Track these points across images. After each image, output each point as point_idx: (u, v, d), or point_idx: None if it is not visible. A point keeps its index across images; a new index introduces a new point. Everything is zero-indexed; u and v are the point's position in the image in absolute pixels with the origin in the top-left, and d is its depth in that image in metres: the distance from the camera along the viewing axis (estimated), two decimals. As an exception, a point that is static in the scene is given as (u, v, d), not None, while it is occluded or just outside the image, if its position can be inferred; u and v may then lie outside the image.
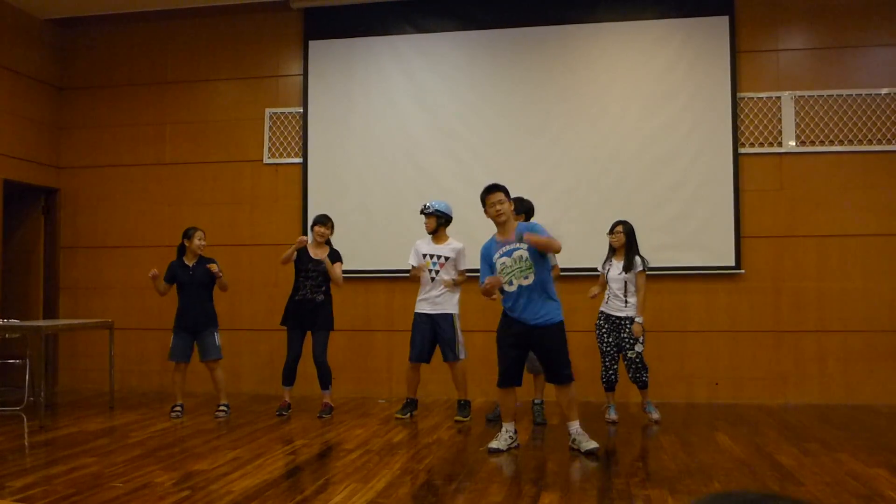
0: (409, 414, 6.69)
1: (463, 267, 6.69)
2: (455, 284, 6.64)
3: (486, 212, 5.50)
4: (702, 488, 4.35)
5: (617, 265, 6.46)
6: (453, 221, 6.79)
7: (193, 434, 6.09)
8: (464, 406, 6.65)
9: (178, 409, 6.85)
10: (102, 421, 6.72)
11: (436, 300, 6.60)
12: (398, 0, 8.20)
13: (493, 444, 5.38)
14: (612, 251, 6.57)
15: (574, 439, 5.35)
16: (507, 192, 5.43)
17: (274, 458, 5.21)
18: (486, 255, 5.49)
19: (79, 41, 9.00)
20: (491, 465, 5.00)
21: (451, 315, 6.62)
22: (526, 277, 5.28)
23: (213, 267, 6.83)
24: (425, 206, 6.70)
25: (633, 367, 6.42)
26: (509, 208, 5.42)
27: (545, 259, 5.37)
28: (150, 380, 8.48)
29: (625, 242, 6.48)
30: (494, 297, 5.45)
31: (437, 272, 6.61)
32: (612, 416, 6.50)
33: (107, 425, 6.52)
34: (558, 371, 5.35)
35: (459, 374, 6.64)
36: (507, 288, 5.34)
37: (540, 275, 5.31)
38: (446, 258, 6.65)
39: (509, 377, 5.47)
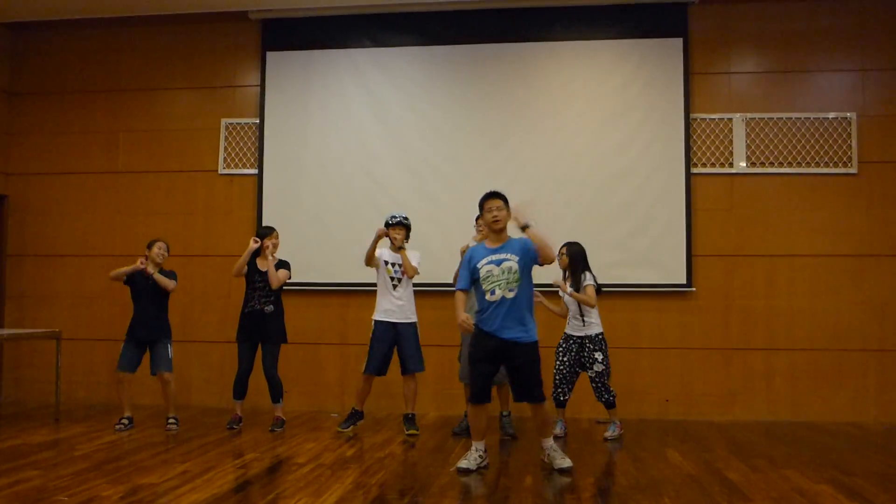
0: (351, 426, 6.61)
1: (417, 264, 6.66)
2: (411, 270, 6.59)
3: (482, 217, 5.41)
4: (653, 503, 4.39)
5: (570, 287, 6.53)
6: (410, 235, 6.77)
7: (141, 447, 5.98)
8: (411, 419, 6.63)
9: (125, 421, 6.73)
10: (47, 433, 6.56)
11: (398, 308, 6.57)
12: (357, 14, 8.21)
13: (463, 464, 5.26)
14: (565, 273, 6.66)
15: (548, 455, 5.32)
16: (506, 202, 5.30)
17: (224, 472, 5.14)
18: (470, 259, 5.36)
19: (31, 46, 8.84)
20: (444, 479, 4.99)
21: (414, 324, 6.63)
22: (511, 290, 5.18)
23: (145, 263, 6.71)
24: (393, 216, 6.66)
25: (594, 386, 6.48)
26: (506, 217, 5.29)
27: (530, 276, 5.31)
28: (98, 391, 8.30)
29: (569, 264, 6.57)
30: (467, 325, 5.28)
31: (399, 279, 6.62)
32: (558, 430, 6.52)
33: (52, 437, 6.37)
34: (530, 390, 5.26)
35: (413, 387, 6.64)
36: (488, 297, 5.24)
37: (524, 290, 5.24)
38: None
39: (483, 395, 5.35)
